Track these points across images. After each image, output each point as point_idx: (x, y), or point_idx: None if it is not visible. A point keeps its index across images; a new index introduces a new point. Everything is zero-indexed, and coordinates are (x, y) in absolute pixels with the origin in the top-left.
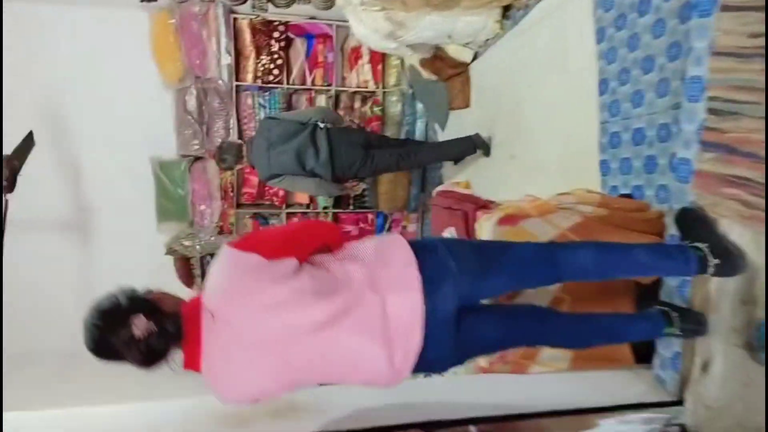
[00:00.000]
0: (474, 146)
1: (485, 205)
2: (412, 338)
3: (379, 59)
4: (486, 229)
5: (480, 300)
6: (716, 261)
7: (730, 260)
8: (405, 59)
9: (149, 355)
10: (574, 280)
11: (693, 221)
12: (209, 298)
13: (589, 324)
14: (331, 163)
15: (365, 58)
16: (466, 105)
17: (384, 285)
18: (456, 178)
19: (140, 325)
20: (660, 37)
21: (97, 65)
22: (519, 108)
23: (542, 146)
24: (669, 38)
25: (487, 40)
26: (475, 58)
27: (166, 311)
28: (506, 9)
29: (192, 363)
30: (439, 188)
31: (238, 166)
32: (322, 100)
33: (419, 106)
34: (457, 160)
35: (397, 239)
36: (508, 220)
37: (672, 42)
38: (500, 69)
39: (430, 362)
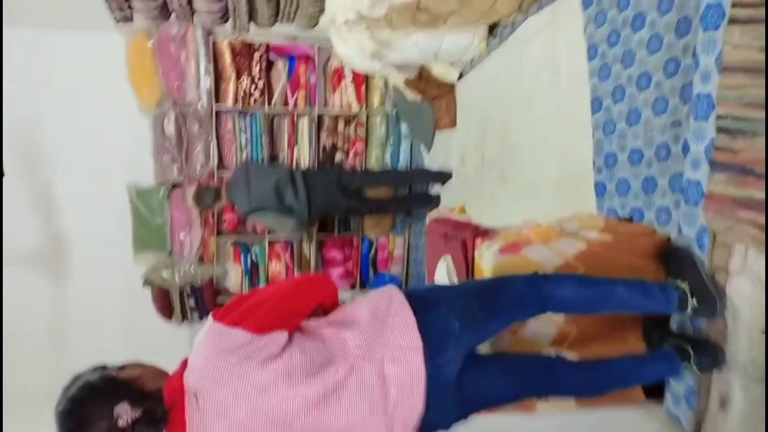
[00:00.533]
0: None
1: (485, 233)
2: (412, 407)
3: (362, 80)
4: (486, 258)
5: (479, 345)
6: (695, 301)
7: (709, 303)
8: (389, 80)
9: None
10: (557, 312)
11: (679, 258)
12: (193, 378)
13: (601, 372)
14: (308, 202)
15: (348, 79)
16: (453, 125)
17: (382, 351)
18: (446, 200)
19: (124, 415)
20: (656, 53)
21: (72, 90)
22: (509, 127)
23: (534, 166)
24: (666, 54)
25: (473, 59)
26: (460, 77)
27: (150, 392)
28: (492, 27)
29: None
30: (433, 214)
31: (217, 205)
32: (304, 123)
33: (404, 127)
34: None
35: (393, 297)
36: (510, 248)
37: (669, 58)
38: (488, 87)
39: (431, 425)
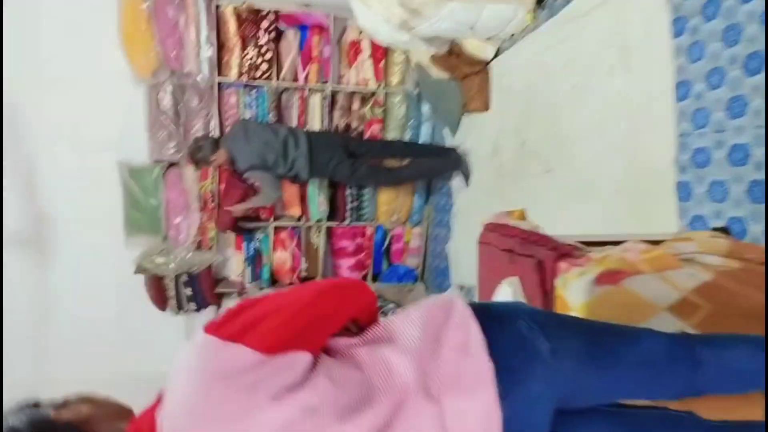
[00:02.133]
0: (456, 164)
1: (569, 253)
2: None
3: (381, 55)
4: (576, 289)
5: (584, 405)
6: None
7: None
8: (412, 55)
9: None
10: (721, 393)
11: None
12: (172, 418)
13: None
14: (310, 158)
15: (366, 53)
16: (485, 108)
17: (439, 382)
18: (474, 196)
19: None
20: None
21: (58, 56)
22: (557, 114)
23: (590, 161)
24: None
25: (514, 33)
26: (496, 54)
27: None
28: None
29: None
30: (489, 219)
31: (213, 158)
32: (316, 100)
33: (425, 108)
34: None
35: (453, 307)
36: (609, 277)
37: None
38: (531, 67)
39: None
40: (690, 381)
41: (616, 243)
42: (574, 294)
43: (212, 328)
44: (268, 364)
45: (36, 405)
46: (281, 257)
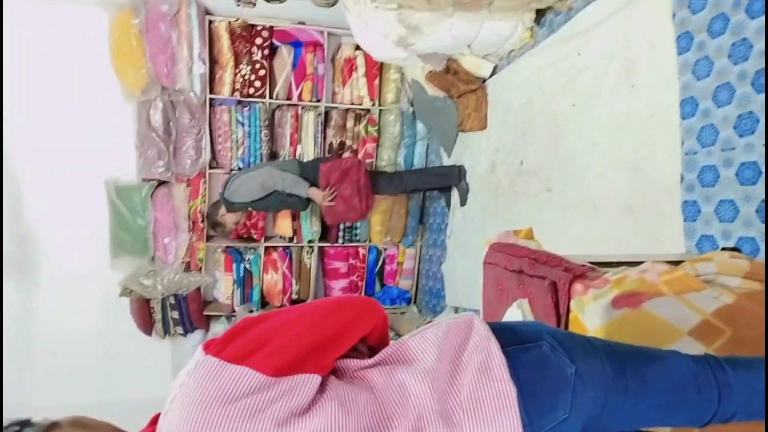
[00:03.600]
0: (457, 180)
1: (583, 274)
2: None
3: (376, 73)
4: (594, 312)
5: None
6: None
7: None
8: (407, 73)
9: None
10: (748, 419)
11: None
12: None
13: None
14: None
15: (360, 71)
16: (482, 126)
17: (459, 408)
18: (472, 213)
19: None
20: None
21: (47, 70)
22: (557, 132)
23: (594, 180)
24: None
25: (512, 51)
26: (494, 72)
27: None
28: (539, 14)
29: None
30: (495, 239)
31: (220, 214)
32: (310, 117)
33: (420, 126)
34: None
35: (472, 327)
36: (628, 299)
37: None
38: (530, 85)
39: None
40: (718, 406)
41: (629, 264)
42: (591, 317)
43: (213, 349)
44: (273, 387)
45: (27, 424)
46: (272, 279)
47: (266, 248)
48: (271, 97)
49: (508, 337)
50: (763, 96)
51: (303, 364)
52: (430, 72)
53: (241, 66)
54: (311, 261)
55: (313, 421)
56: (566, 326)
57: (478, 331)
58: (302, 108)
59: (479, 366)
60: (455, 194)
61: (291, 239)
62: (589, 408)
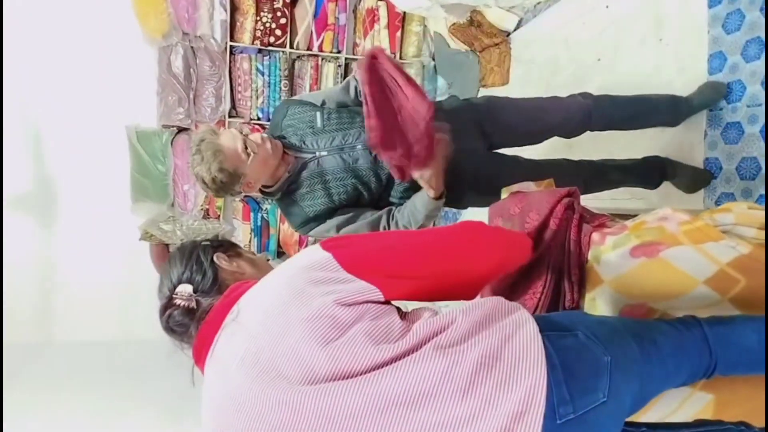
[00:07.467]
0: None
1: (602, 223)
2: None
3: (398, 25)
4: (610, 262)
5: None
6: None
7: None
8: (429, 25)
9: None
10: (736, 373)
11: None
12: (248, 296)
13: None
14: None
15: (382, 22)
16: (504, 82)
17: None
18: None
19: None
20: None
21: (66, 15)
22: (581, 88)
23: (614, 137)
24: None
25: (539, 3)
26: (518, 26)
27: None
28: None
29: (198, 356)
30: (509, 189)
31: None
32: (330, 69)
33: (441, 81)
34: None
35: (511, 307)
36: (646, 249)
37: None
38: (556, 39)
39: None
40: (708, 358)
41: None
42: (609, 267)
43: (324, 241)
44: (339, 273)
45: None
46: (289, 230)
47: None
48: (291, 47)
49: (543, 324)
50: None
51: (392, 278)
52: (453, 24)
53: (262, 13)
54: None
55: (363, 322)
56: (582, 280)
57: (516, 312)
58: (322, 59)
59: (518, 358)
60: None
61: None
62: (627, 392)
